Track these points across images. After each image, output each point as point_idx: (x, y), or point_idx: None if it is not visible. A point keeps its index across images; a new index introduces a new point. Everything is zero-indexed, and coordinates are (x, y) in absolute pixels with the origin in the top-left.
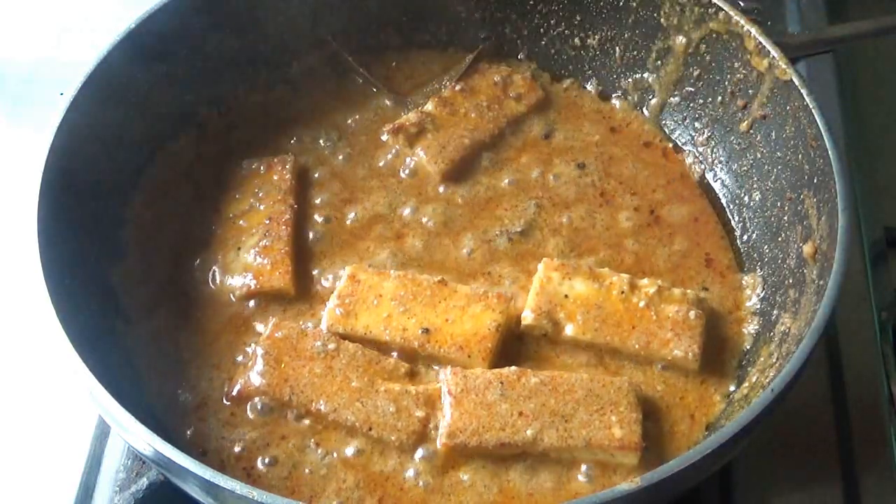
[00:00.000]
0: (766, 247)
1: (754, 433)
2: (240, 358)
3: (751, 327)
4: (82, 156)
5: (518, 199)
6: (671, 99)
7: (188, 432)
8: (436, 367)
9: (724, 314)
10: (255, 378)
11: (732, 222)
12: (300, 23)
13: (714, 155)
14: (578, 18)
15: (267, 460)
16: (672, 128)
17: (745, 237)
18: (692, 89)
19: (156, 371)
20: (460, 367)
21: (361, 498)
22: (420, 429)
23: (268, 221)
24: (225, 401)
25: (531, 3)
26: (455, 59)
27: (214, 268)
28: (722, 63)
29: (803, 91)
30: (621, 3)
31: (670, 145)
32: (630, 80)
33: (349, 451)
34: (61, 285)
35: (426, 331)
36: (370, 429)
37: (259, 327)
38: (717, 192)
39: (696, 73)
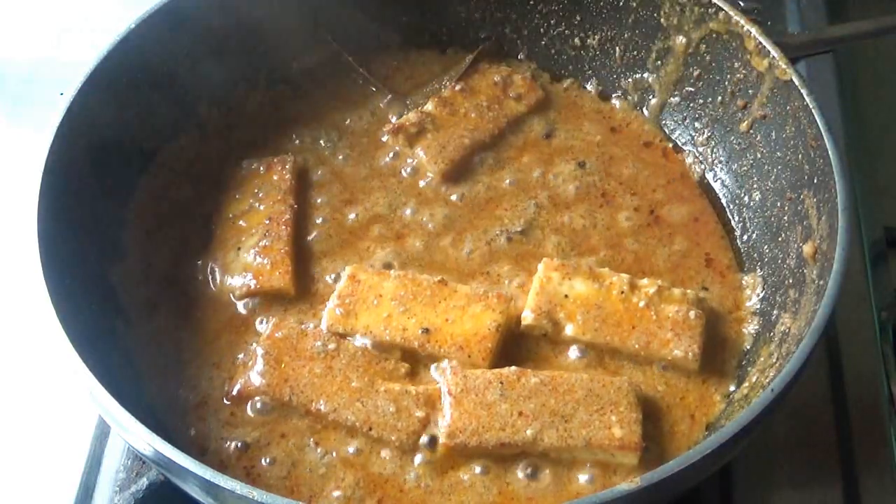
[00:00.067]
0: (766, 247)
1: (754, 433)
2: (240, 358)
3: (751, 327)
4: (82, 156)
5: (518, 199)
6: (671, 99)
7: (188, 432)
8: (435, 367)
9: (724, 314)
10: (255, 378)
11: (732, 222)
12: (300, 23)
13: (714, 155)
14: (578, 18)
15: (267, 460)
16: (672, 128)
17: (745, 237)
18: (692, 89)
19: (156, 371)
20: (460, 367)
21: (361, 498)
22: (420, 429)
23: (268, 221)
24: (225, 400)
25: (531, 3)
26: (455, 59)
27: (214, 268)
28: (722, 63)
29: (803, 91)
30: (621, 3)
31: (670, 145)
32: (630, 80)
33: (349, 450)
34: (61, 285)
35: (426, 331)
36: (370, 429)
37: (259, 327)
38: (717, 192)
39: (696, 73)
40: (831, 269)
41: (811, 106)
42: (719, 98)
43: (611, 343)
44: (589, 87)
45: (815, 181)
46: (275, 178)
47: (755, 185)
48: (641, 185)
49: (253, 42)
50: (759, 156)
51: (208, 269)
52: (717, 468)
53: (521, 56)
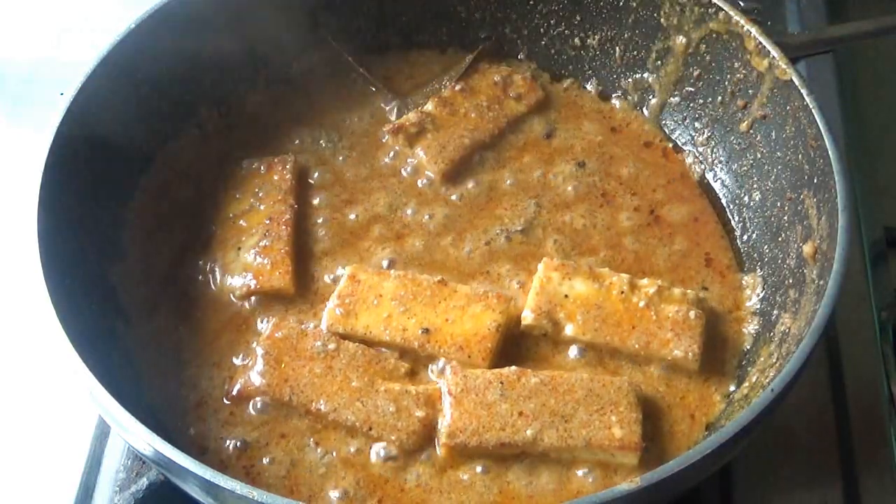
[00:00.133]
0: (766, 247)
1: (754, 433)
2: (240, 357)
3: (751, 327)
4: (82, 156)
5: (518, 199)
6: (671, 99)
7: (188, 432)
8: (435, 367)
9: (724, 314)
10: (255, 378)
11: (732, 222)
12: (300, 23)
13: (714, 155)
14: (578, 18)
15: (266, 459)
16: (672, 128)
17: (745, 237)
18: (692, 89)
19: (156, 371)
20: (460, 367)
21: (361, 498)
22: (420, 429)
23: (268, 221)
24: (225, 400)
25: (531, 3)
26: (455, 59)
27: (214, 268)
28: (722, 63)
29: (803, 91)
30: (621, 3)
31: (670, 145)
32: (630, 80)
33: (349, 450)
34: (61, 285)
35: (426, 331)
36: (370, 429)
37: (259, 327)
38: (717, 192)
39: (696, 73)
40: (831, 269)
41: (811, 106)
42: (719, 98)
43: (611, 343)
44: (589, 87)
45: (815, 181)
46: (275, 178)
47: (755, 185)
48: (641, 185)
49: (253, 42)
50: (759, 156)
51: (208, 269)
52: (717, 468)
53: (521, 56)
